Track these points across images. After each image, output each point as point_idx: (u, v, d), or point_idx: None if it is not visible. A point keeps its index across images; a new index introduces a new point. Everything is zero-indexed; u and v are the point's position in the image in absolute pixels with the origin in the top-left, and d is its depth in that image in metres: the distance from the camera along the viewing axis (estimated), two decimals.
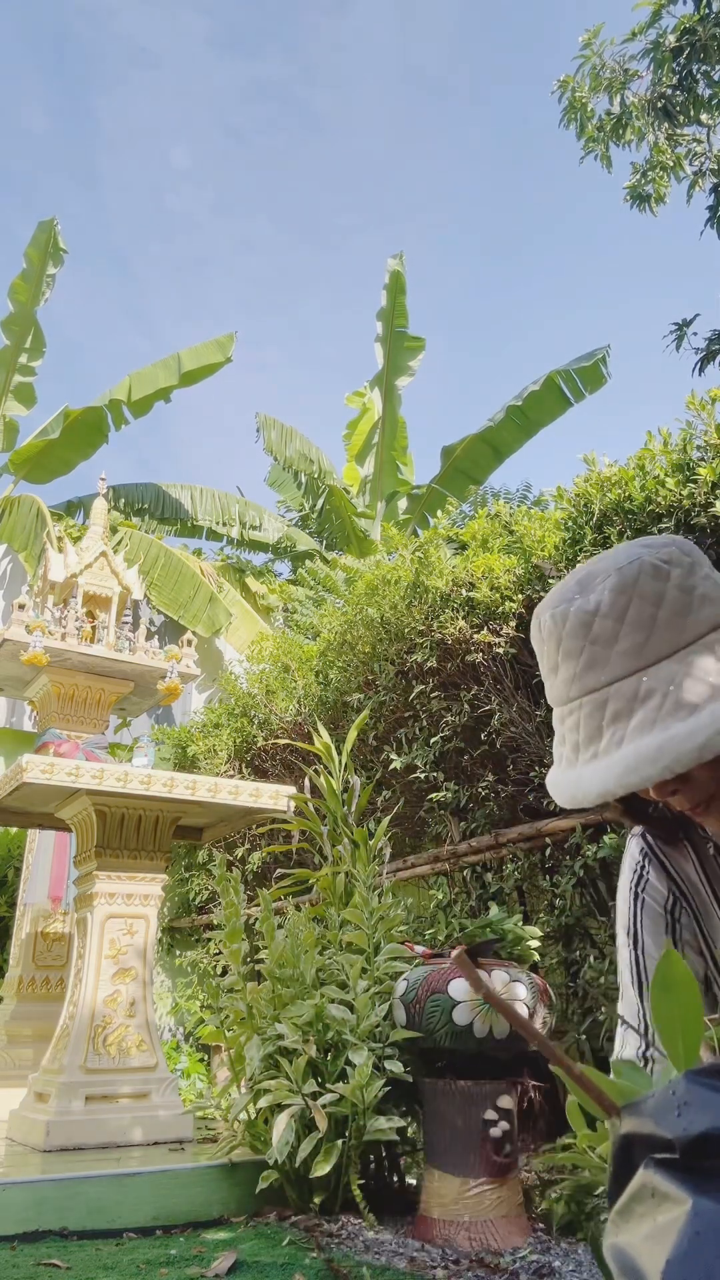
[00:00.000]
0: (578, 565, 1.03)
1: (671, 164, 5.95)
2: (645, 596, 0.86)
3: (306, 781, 3.57)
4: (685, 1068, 0.50)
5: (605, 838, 2.78)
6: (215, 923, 3.15)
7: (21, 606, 4.44)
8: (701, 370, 5.27)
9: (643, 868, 1.13)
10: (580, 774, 0.88)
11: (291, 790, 3.36)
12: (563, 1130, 2.72)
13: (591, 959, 2.84)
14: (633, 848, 1.15)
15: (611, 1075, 0.60)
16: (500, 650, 3.34)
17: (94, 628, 4.65)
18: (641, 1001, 1.12)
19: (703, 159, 5.91)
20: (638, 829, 1.15)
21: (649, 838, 1.13)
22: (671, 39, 5.23)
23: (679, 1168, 0.43)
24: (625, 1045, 1.15)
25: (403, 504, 10.84)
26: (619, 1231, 0.45)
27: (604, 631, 0.87)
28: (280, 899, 4.24)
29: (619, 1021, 1.15)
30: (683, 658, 0.85)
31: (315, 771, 3.31)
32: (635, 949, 1.13)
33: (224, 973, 4.39)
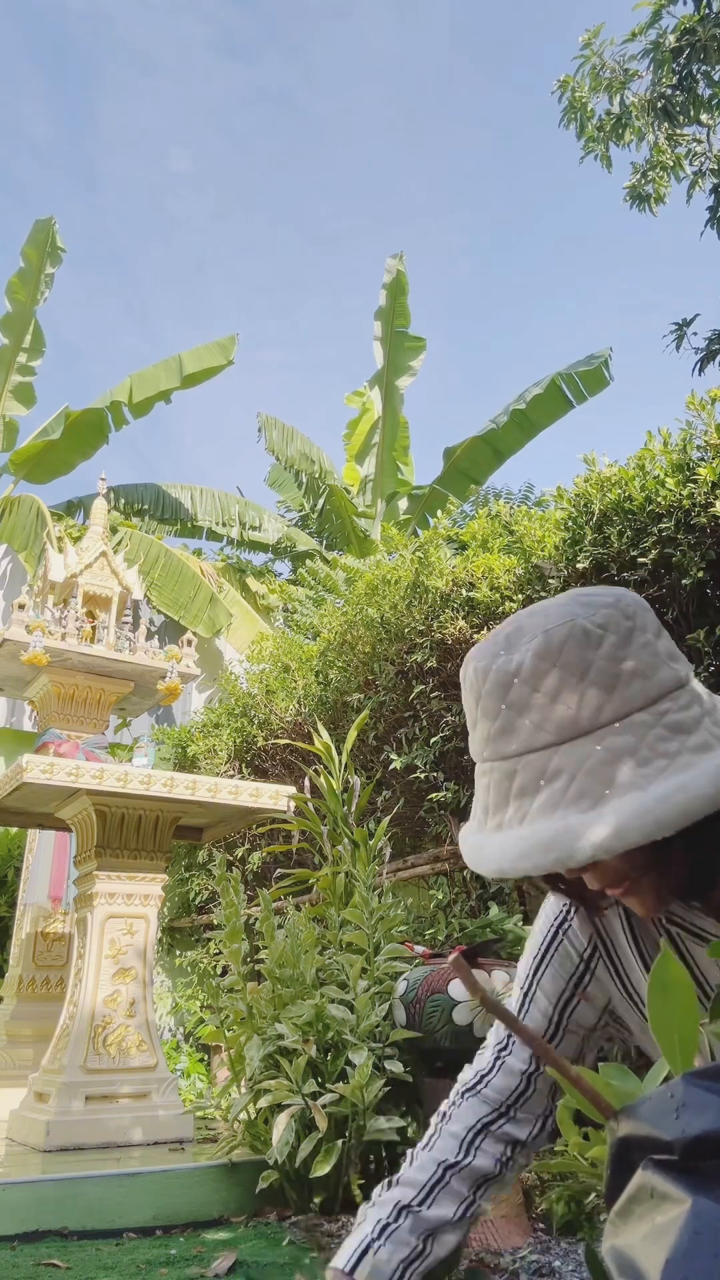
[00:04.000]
0: (522, 609, 0.96)
1: (671, 164, 5.95)
2: (569, 666, 0.79)
3: (306, 781, 3.56)
4: (682, 1070, 0.50)
5: None
6: (215, 923, 3.15)
7: (21, 606, 4.45)
8: (701, 370, 5.27)
9: (568, 911, 1.08)
10: (483, 841, 0.82)
11: (291, 790, 3.36)
12: None
13: None
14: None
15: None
16: None
17: (94, 628, 4.65)
18: (519, 1015, 1.10)
19: (703, 159, 5.90)
20: None
21: None
22: (671, 39, 5.23)
23: (677, 1168, 0.43)
24: (481, 1052, 1.13)
25: (403, 504, 10.83)
26: (618, 1233, 0.46)
27: (520, 698, 0.80)
28: (280, 899, 4.24)
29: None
30: (600, 738, 0.77)
31: (315, 771, 3.31)
32: (534, 978, 1.10)
33: (224, 973, 4.39)
